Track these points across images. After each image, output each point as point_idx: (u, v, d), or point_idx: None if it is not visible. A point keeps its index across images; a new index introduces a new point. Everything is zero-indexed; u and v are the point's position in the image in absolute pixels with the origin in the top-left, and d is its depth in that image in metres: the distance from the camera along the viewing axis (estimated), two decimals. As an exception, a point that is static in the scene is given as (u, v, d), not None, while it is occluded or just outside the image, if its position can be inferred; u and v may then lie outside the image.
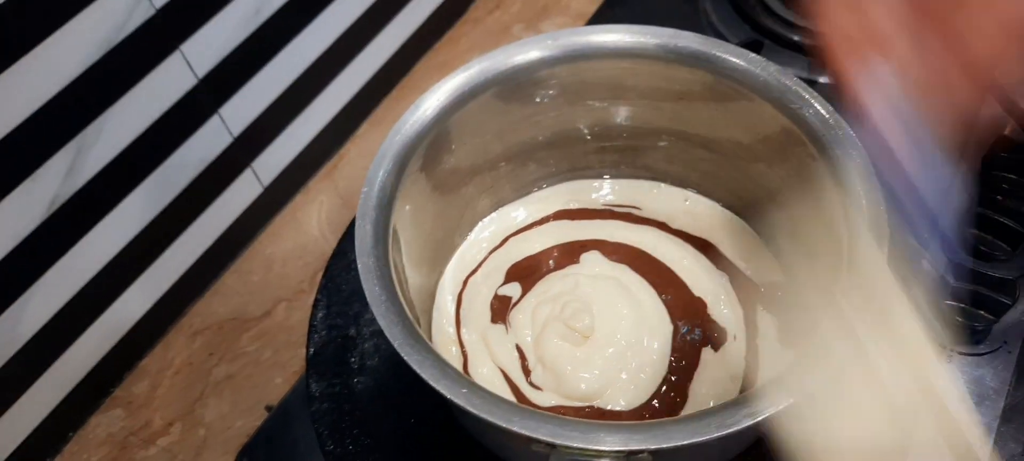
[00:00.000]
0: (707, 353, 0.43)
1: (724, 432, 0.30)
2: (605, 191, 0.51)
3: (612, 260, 0.47)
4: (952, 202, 0.29)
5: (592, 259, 0.48)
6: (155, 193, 0.53)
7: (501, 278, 0.48)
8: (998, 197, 0.54)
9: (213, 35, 0.52)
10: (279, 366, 0.57)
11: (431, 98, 0.41)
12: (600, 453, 0.30)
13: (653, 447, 0.30)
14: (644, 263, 0.47)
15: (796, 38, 0.69)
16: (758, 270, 0.47)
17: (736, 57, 0.41)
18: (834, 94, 0.31)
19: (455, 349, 0.45)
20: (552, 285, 0.46)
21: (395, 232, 0.39)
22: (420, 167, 0.41)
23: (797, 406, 0.30)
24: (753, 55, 0.41)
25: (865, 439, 0.30)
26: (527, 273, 0.48)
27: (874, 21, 0.28)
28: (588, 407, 0.42)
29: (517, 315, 0.45)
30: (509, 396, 0.43)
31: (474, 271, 0.48)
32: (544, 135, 0.48)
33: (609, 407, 0.42)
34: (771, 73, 0.40)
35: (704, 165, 0.48)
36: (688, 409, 0.42)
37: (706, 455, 0.39)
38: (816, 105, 0.39)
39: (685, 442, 0.30)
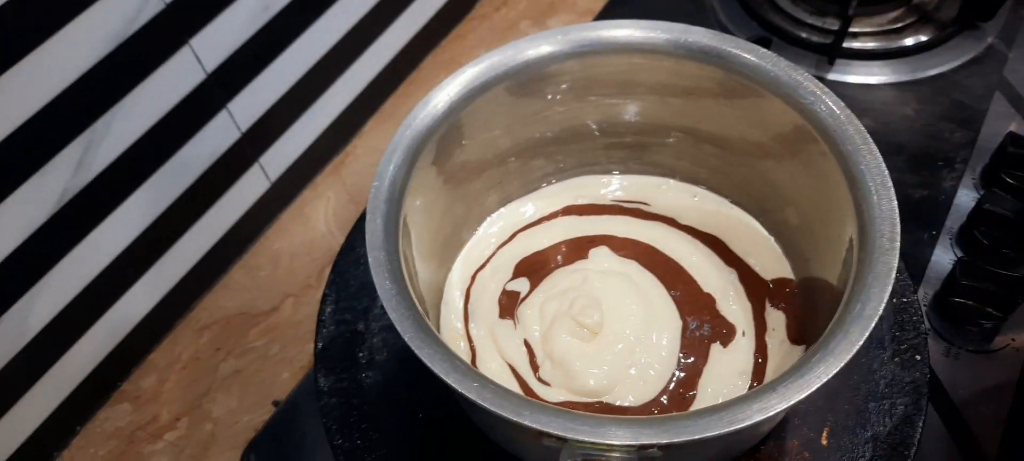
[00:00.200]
0: (716, 349, 0.43)
1: (735, 427, 0.30)
2: (614, 187, 0.51)
3: (621, 256, 0.47)
4: None
5: (601, 254, 0.48)
6: (164, 188, 0.53)
7: (509, 273, 0.48)
8: (1007, 194, 0.54)
9: (222, 30, 0.52)
10: (286, 361, 0.57)
11: (441, 92, 0.41)
12: (611, 447, 0.30)
13: (664, 442, 0.30)
14: (653, 259, 0.47)
15: (804, 35, 0.69)
16: (767, 266, 0.46)
17: (747, 52, 0.41)
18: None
19: (463, 344, 0.45)
20: (560, 280, 0.46)
21: (405, 226, 0.39)
22: (430, 161, 0.41)
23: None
24: (764, 50, 0.40)
25: None
26: (535, 268, 0.48)
27: None
28: (597, 403, 0.42)
29: (525, 310, 0.45)
30: (518, 392, 0.43)
31: (482, 266, 0.48)
32: (553, 131, 0.48)
33: (618, 403, 0.42)
34: (782, 68, 0.40)
35: (713, 161, 0.48)
36: (697, 405, 0.42)
37: (715, 451, 0.39)
38: (828, 101, 0.38)
39: (697, 437, 0.30)
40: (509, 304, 0.46)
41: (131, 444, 0.54)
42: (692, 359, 0.43)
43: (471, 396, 0.31)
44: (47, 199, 0.46)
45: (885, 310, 0.32)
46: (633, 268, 0.47)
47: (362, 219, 0.51)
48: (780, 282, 0.46)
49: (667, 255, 0.47)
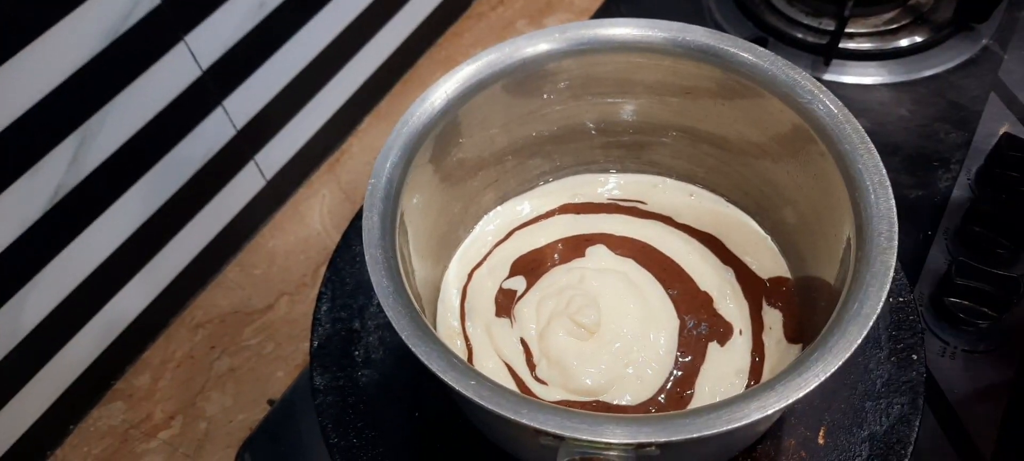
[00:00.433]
0: (713, 348, 0.43)
1: (733, 426, 0.30)
2: (610, 185, 0.51)
3: (618, 254, 0.47)
4: None
5: (598, 253, 0.47)
6: (158, 185, 0.53)
7: (506, 271, 0.47)
8: (1002, 194, 0.54)
9: (218, 27, 0.52)
10: (281, 359, 0.56)
11: (439, 90, 0.41)
12: (609, 446, 0.30)
13: (662, 440, 0.30)
14: (650, 257, 0.47)
15: (800, 35, 0.69)
16: (764, 265, 0.47)
17: (745, 52, 0.41)
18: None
19: (460, 342, 0.45)
20: (557, 279, 0.46)
21: (402, 224, 0.38)
22: (427, 159, 0.41)
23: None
24: (762, 49, 0.40)
25: None
26: (532, 267, 0.47)
27: None
28: (594, 402, 0.42)
29: (522, 309, 0.45)
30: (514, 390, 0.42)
31: (479, 264, 0.48)
32: (550, 129, 0.48)
33: (615, 402, 0.42)
34: (780, 68, 0.40)
35: (710, 160, 0.48)
36: (694, 404, 0.42)
37: (712, 450, 0.39)
38: (825, 100, 0.38)
39: (694, 435, 0.30)
40: (506, 302, 0.46)
41: (125, 442, 0.53)
42: (689, 358, 0.43)
43: (468, 394, 0.31)
44: (40, 196, 0.46)
45: (881, 310, 0.32)
46: (630, 267, 0.47)
47: (358, 217, 0.51)
48: (777, 281, 0.46)
49: (664, 254, 0.47)
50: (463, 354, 0.44)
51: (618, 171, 0.51)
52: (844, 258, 0.37)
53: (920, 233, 0.55)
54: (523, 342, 0.44)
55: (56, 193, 0.46)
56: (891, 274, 0.33)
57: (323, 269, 0.51)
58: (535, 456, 0.39)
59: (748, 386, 0.42)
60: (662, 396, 0.42)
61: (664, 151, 0.49)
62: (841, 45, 0.66)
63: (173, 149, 0.53)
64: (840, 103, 0.38)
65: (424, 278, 0.44)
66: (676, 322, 0.44)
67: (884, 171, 0.36)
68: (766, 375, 0.42)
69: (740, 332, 0.44)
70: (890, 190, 0.35)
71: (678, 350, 0.43)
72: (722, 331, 0.44)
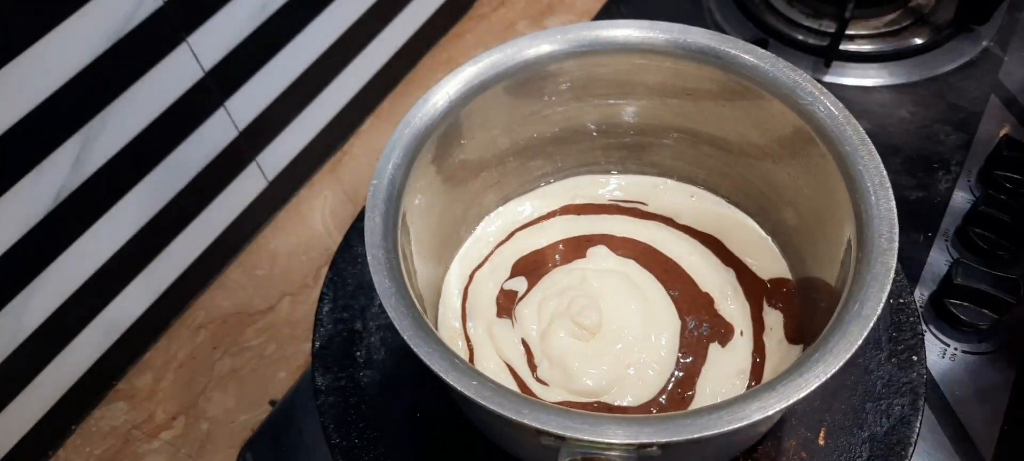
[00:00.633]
0: (714, 349, 0.43)
1: (734, 426, 0.30)
2: (612, 186, 0.51)
3: (619, 255, 0.47)
4: None
5: (599, 254, 0.48)
6: (161, 185, 0.53)
7: (507, 272, 0.48)
8: (1002, 196, 0.54)
9: (220, 28, 0.52)
10: (283, 360, 0.57)
11: (441, 91, 0.41)
12: (610, 446, 0.30)
13: (663, 440, 0.30)
14: (651, 258, 0.47)
15: (801, 37, 0.69)
16: (764, 266, 0.47)
17: (746, 53, 0.41)
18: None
19: (461, 343, 0.45)
20: (559, 279, 0.46)
21: (404, 224, 0.38)
22: (429, 160, 0.41)
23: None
24: (763, 51, 0.40)
25: None
26: (533, 267, 0.48)
27: None
28: (595, 403, 0.42)
29: (523, 309, 0.45)
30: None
31: (480, 265, 0.48)
32: (552, 131, 0.48)
33: (616, 403, 0.42)
34: (781, 69, 0.40)
35: (711, 162, 0.48)
36: (695, 405, 0.42)
37: (713, 450, 0.39)
38: (826, 101, 0.38)
39: (695, 436, 0.30)
40: (507, 303, 0.46)
41: (127, 443, 0.54)
42: (690, 359, 0.43)
43: (470, 394, 0.31)
44: (44, 196, 0.46)
45: (882, 311, 0.32)
46: (632, 267, 0.47)
47: (360, 218, 0.51)
48: (777, 282, 0.46)
49: (665, 255, 0.47)
50: (464, 355, 0.45)
51: (619, 172, 0.52)
52: (845, 259, 0.37)
53: (920, 234, 0.55)
54: (524, 343, 0.44)
55: (59, 194, 0.46)
56: (891, 275, 0.33)
57: (325, 270, 0.51)
58: (536, 457, 0.39)
59: (749, 387, 0.42)
60: (663, 397, 0.42)
61: (665, 152, 0.49)
62: (842, 47, 0.67)
63: (175, 150, 0.53)
64: (841, 105, 0.38)
65: (426, 279, 0.44)
66: (677, 323, 0.44)
67: (884, 172, 0.36)
68: (767, 376, 0.42)
69: (741, 333, 0.44)
70: (890, 191, 0.35)
71: (679, 351, 0.43)
72: (723, 332, 0.44)
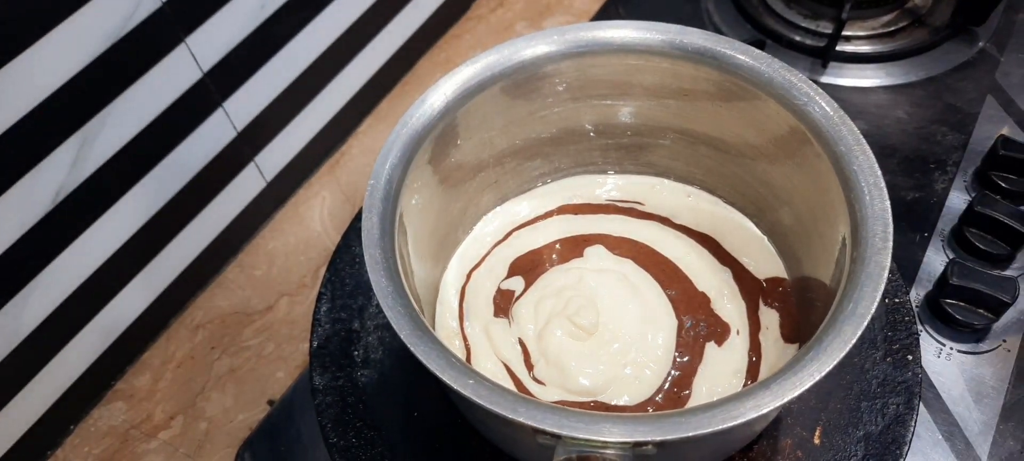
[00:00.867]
0: (711, 348, 0.44)
1: (729, 425, 0.30)
2: (609, 186, 0.52)
3: (616, 255, 0.48)
4: None
5: (596, 253, 0.48)
6: (159, 186, 0.53)
7: (504, 272, 0.48)
8: (998, 196, 0.54)
9: (219, 29, 0.52)
10: (281, 360, 0.57)
11: (438, 92, 0.41)
12: (606, 444, 0.30)
13: (658, 439, 0.30)
14: (648, 258, 0.47)
15: (798, 38, 0.69)
16: (760, 265, 0.47)
17: (742, 54, 0.41)
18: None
19: (458, 342, 0.45)
20: (555, 279, 0.46)
21: (401, 225, 0.39)
22: (426, 160, 0.41)
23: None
24: (759, 52, 0.41)
25: None
26: (530, 267, 0.48)
27: None
28: (592, 402, 0.42)
29: (520, 309, 0.46)
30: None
31: (478, 265, 0.48)
32: (549, 131, 0.48)
33: (613, 402, 0.42)
34: (776, 70, 0.40)
35: (708, 162, 0.48)
36: (692, 404, 0.42)
37: (709, 449, 0.39)
38: (821, 102, 0.39)
39: (690, 434, 0.30)
40: (504, 303, 0.46)
41: (125, 443, 0.54)
42: (687, 358, 0.43)
43: (466, 393, 0.31)
44: (42, 197, 0.46)
45: (877, 310, 0.33)
46: (629, 267, 0.47)
47: (357, 218, 0.51)
48: (773, 281, 0.46)
49: (662, 254, 0.47)
50: (462, 354, 0.45)
51: (616, 172, 0.52)
52: (839, 258, 0.37)
53: (917, 234, 0.56)
54: (521, 342, 0.45)
55: (58, 194, 0.47)
56: (885, 274, 0.33)
57: (323, 270, 0.51)
58: (533, 455, 0.39)
59: (745, 386, 0.42)
60: (660, 396, 0.42)
61: (662, 153, 0.50)
62: (839, 48, 0.67)
63: (174, 150, 0.53)
64: (836, 105, 0.39)
65: (423, 279, 0.44)
66: (674, 322, 0.45)
67: (879, 172, 0.36)
68: (763, 375, 0.43)
69: (737, 332, 0.44)
70: (885, 191, 0.36)
71: (676, 350, 0.44)
72: (720, 331, 0.44)
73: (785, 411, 0.43)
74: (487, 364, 0.44)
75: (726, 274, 0.47)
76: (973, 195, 0.57)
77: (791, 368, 0.31)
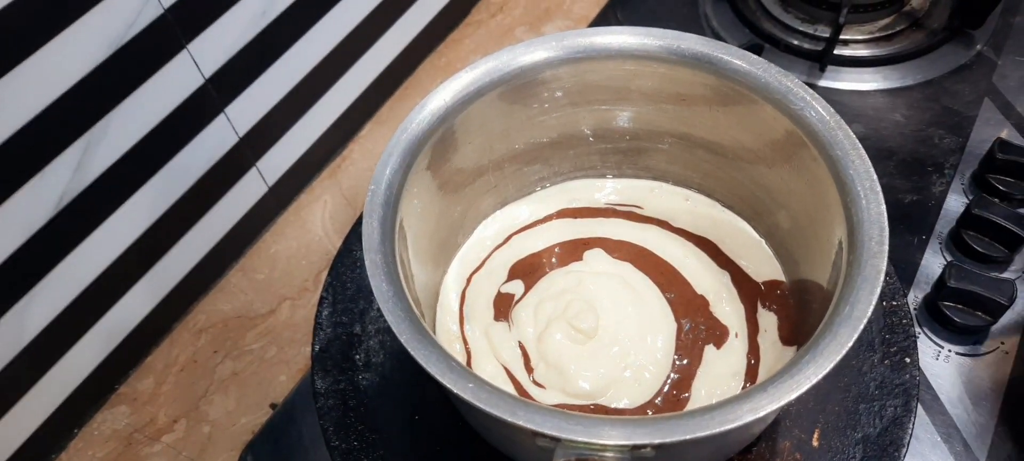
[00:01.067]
0: (710, 351, 0.44)
1: (727, 427, 0.30)
2: (607, 190, 0.52)
3: (615, 258, 0.48)
4: None
5: (596, 256, 0.48)
6: (162, 191, 0.54)
7: (504, 275, 0.48)
8: (995, 199, 0.55)
9: (220, 35, 0.52)
10: (284, 363, 0.57)
11: (437, 98, 0.41)
12: (604, 447, 0.30)
13: (657, 441, 0.30)
14: (647, 261, 0.48)
15: (796, 42, 0.70)
16: (758, 268, 0.47)
17: (738, 59, 0.41)
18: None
19: (459, 346, 0.46)
20: (555, 282, 0.47)
21: (402, 229, 0.39)
22: (426, 165, 0.42)
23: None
24: (755, 57, 0.41)
25: None
26: (530, 270, 0.48)
27: None
28: (592, 405, 0.42)
29: (520, 312, 0.46)
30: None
31: (478, 269, 0.49)
32: (549, 136, 0.48)
33: (613, 405, 0.42)
34: (773, 75, 0.40)
35: (705, 166, 0.49)
36: (691, 407, 0.42)
37: (708, 452, 0.39)
38: (817, 107, 0.39)
39: (688, 436, 0.30)
40: (504, 306, 0.47)
41: (129, 446, 0.54)
42: (686, 361, 0.44)
43: (466, 397, 0.31)
44: (45, 202, 0.46)
45: (875, 313, 0.33)
46: (628, 270, 0.47)
47: (359, 223, 0.52)
48: (771, 284, 0.46)
49: (661, 257, 0.48)
50: (462, 358, 0.45)
51: (615, 176, 0.52)
52: (836, 261, 0.37)
53: (914, 237, 0.56)
54: (521, 346, 0.45)
55: (61, 200, 0.47)
56: (882, 277, 0.33)
57: (325, 274, 0.52)
58: (532, 458, 0.39)
59: (744, 388, 0.43)
60: (659, 399, 0.42)
61: (660, 157, 0.50)
62: (836, 51, 0.67)
63: (176, 156, 0.54)
64: (832, 110, 0.39)
65: (423, 283, 0.44)
66: (673, 325, 0.45)
67: (875, 176, 0.36)
68: (761, 377, 0.43)
69: (736, 335, 0.45)
70: (881, 195, 0.36)
71: (675, 353, 0.44)
72: (718, 334, 0.45)
73: (783, 413, 0.43)
74: (487, 367, 0.44)
75: (725, 277, 0.47)
76: (971, 198, 0.57)
77: (788, 371, 0.32)
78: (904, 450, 0.41)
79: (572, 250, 0.49)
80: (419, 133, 0.40)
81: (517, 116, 0.46)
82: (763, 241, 0.48)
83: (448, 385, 0.32)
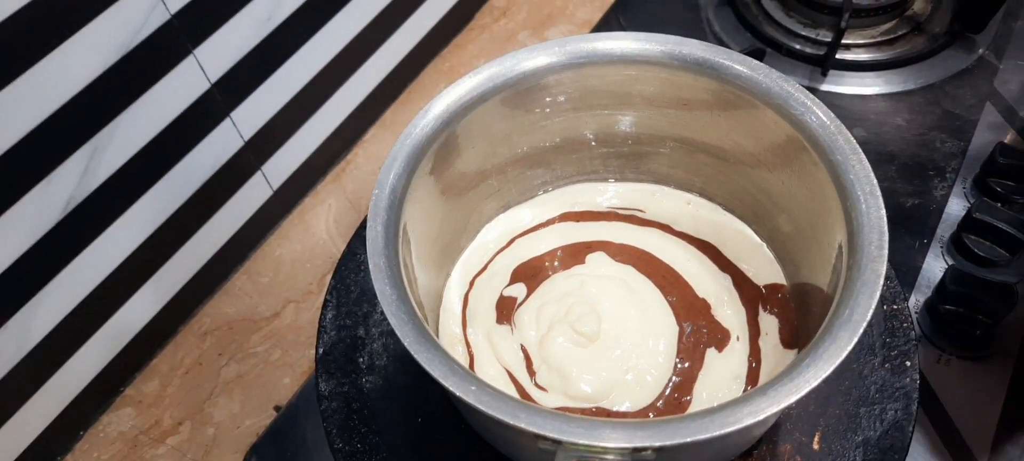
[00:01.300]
0: (711, 354, 0.44)
1: (727, 430, 0.30)
2: (610, 194, 0.52)
3: (617, 261, 0.48)
4: None
5: (598, 260, 0.48)
6: (168, 195, 0.54)
7: (507, 279, 0.48)
8: (997, 203, 0.55)
9: (226, 40, 0.53)
10: (288, 366, 0.57)
11: (440, 103, 0.42)
12: (605, 450, 0.31)
13: (657, 444, 0.30)
14: (649, 265, 0.48)
15: (798, 46, 0.70)
16: (760, 272, 0.47)
17: (740, 64, 0.41)
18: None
19: (461, 349, 0.46)
20: (557, 285, 0.47)
21: (405, 233, 0.39)
22: (429, 170, 0.42)
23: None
24: (756, 62, 0.41)
25: None
26: (532, 274, 0.48)
27: None
28: (594, 408, 0.43)
29: (522, 315, 0.46)
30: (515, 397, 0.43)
31: (480, 272, 0.49)
32: (551, 140, 0.48)
33: (615, 409, 0.43)
34: (774, 80, 0.41)
35: (707, 170, 0.49)
36: (692, 410, 0.42)
37: (709, 454, 0.40)
38: (818, 111, 0.39)
39: (689, 439, 0.30)
40: (506, 309, 0.47)
41: (134, 448, 0.54)
42: (688, 364, 0.44)
43: (468, 399, 0.32)
44: (53, 206, 0.47)
45: (875, 317, 0.33)
46: (630, 274, 0.47)
47: (363, 226, 0.52)
48: (772, 287, 0.46)
49: (663, 261, 0.48)
50: (465, 361, 0.45)
51: (617, 180, 0.52)
52: (836, 265, 0.38)
53: (916, 241, 0.56)
54: (523, 349, 0.45)
55: (68, 204, 0.47)
56: (881, 281, 0.34)
57: (329, 277, 0.52)
58: None
59: (745, 391, 0.43)
60: (661, 402, 0.43)
61: (662, 161, 0.50)
62: (838, 56, 0.67)
63: (182, 160, 0.54)
64: (832, 115, 0.39)
65: (427, 286, 0.45)
66: (675, 328, 0.45)
67: (875, 181, 0.37)
68: (762, 380, 0.43)
69: (737, 338, 0.45)
70: (881, 199, 0.36)
71: (677, 356, 0.44)
72: (720, 337, 0.45)
73: (784, 416, 0.43)
74: (490, 370, 0.45)
75: (726, 280, 0.47)
76: (972, 202, 0.57)
77: (788, 374, 0.32)
78: (905, 454, 0.41)
79: (574, 253, 0.49)
80: (423, 138, 0.41)
81: (520, 121, 0.46)
82: (764, 245, 0.48)
83: (451, 388, 0.32)
